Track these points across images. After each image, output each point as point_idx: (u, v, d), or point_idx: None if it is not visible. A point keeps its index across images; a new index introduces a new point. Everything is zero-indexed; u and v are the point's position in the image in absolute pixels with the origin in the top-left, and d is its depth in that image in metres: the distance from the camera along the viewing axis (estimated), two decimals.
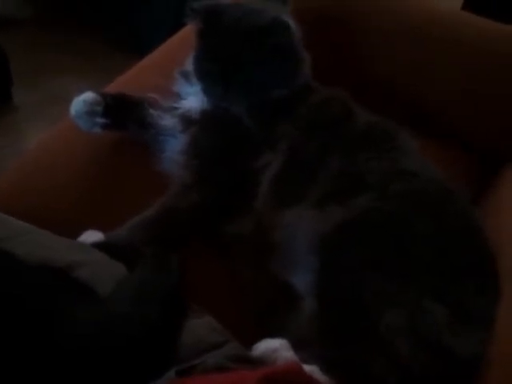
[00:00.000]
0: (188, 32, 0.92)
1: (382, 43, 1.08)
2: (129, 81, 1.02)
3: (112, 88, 1.01)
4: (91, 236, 0.81)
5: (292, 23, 0.89)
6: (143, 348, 0.61)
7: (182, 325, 0.66)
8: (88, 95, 0.89)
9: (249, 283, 0.81)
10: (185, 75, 0.94)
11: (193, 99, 0.91)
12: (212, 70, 0.87)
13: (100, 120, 0.89)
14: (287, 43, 0.88)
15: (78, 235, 0.82)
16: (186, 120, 0.90)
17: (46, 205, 0.87)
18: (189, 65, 0.92)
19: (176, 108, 0.92)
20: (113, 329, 0.60)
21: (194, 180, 0.85)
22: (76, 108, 0.89)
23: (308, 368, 0.65)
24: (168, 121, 0.91)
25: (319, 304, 0.71)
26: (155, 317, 0.63)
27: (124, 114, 0.92)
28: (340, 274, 0.71)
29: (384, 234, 0.73)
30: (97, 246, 0.79)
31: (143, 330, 0.61)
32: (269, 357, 0.68)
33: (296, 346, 0.69)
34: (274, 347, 0.69)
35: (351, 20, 1.08)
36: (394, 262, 0.71)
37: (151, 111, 0.92)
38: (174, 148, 0.90)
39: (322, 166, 0.82)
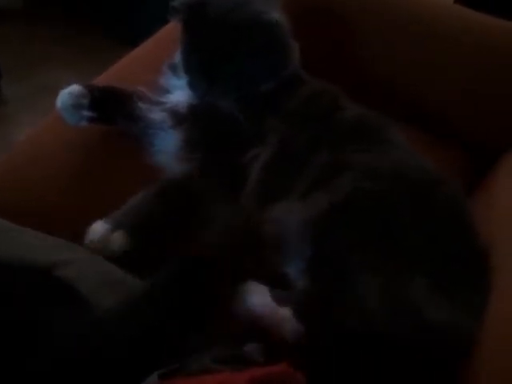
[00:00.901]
0: (177, 25, 0.90)
1: (380, 41, 1.07)
2: (117, 73, 1.00)
3: (100, 80, 1.00)
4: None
5: (280, 16, 0.87)
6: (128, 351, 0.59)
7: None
8: (74, 88, 0.87)
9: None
10: (173, 68, 0.92)
11: (180, 93, 0.90)
12: (196, 63, 0.86)
13: (86, 113, 0.87)
14: (275, 37, 0.87)
15: (67, 227, 0.81)
16: (175, 115, 0.88)
17: (35, 196, 0.86)
18: (177, 58, 0.91)
19: (164, 102, 0.90)
20: (98, 331, 0.59)
21: (197, 173, 0.83)
22: (62, 100, 0.87)
23: (281, 311, 0.68)
24: (157, 114, 0.89)
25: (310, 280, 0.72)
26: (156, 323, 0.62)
27: (111, 108, 0.90)
28: (329, 257, 0.72)
29: (371, 214, 0.73)
30: None
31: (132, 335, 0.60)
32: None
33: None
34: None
35: (345, 14, 1.08)
36: (381, 243, 0.71)
37: (140, 104, 0.90)
38: (164, 142, 0.88)
39: (310, 159, 0.81)
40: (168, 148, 0.87)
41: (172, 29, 1.07)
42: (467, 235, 0.76)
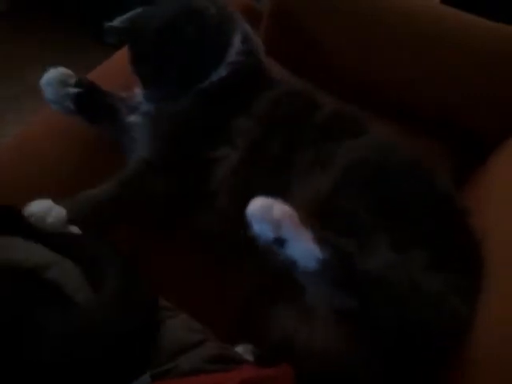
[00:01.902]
0: None
1: (356, 40, 1.06)
2: (99, 75, 0.98)
3: None
4: (39, 205, 0.76)
5: (207, 5, 0.85)
6: (120, 353, 0.59)
7: (158, 327, 0.65)
8: (61, 68, 0.86)
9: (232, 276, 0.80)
10: None
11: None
12: (142, 75, 0.86)
13: (72, 90, 0.86)
14: (207, 24, 0.85)
15: None
16: (146, 115, 0.87)
17: (21, 195, 0.80)
18: None
19: (139, 107, 0.89)
20: (87, 335, 0.58)
21: (155, 160, 0.82)
22: (48, 76, 0.86)
23: (304, 230, 0.65)
24: (134, 118, 0.88)
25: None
26: (136, 322, 0.62)
27: (96, 98, 0.89)
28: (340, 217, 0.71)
29: (370, 182, 0.73)
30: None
31: (122, 335, 0.60)
32: None
33: None
34: None
35: (320, 15, 1.06)
36: (386, 211, 0.71)
37: (121, 107, 0.90)
38: (135, 140, 0.87)
39: (293, 158, 0.80)
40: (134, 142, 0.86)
41: None
42: (462, 221, 0.76)
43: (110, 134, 0.91)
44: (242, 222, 0.69)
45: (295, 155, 0.79)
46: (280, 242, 0.65)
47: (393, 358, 0.65)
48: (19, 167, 0.89)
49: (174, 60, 0.84)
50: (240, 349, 0.76)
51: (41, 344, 0.55)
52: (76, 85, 0.86)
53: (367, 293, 0.65)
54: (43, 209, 0.75)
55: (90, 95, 0.88)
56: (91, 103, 0.88)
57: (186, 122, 0.84)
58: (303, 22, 1.07)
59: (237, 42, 0.87)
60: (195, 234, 0.83)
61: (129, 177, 0.81)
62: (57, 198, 0.77)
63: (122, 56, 1.04)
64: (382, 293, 0.64)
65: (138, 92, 0.91)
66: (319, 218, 0.70)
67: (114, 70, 1.01)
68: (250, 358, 0.73)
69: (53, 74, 0.86)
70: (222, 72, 0.85)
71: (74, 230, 0.75)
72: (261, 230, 0.65)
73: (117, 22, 0.85)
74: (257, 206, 0.65)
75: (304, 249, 0.65)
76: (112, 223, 0.79)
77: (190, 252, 0.84)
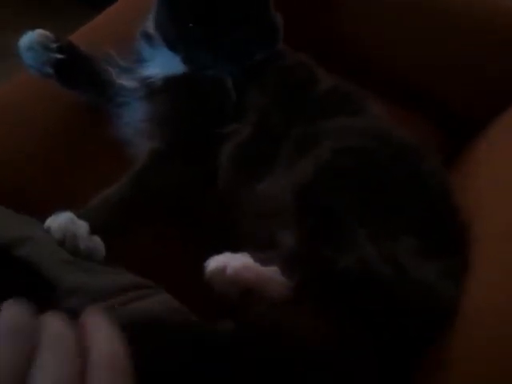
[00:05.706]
0: None
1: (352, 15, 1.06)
2: (83, 37, 0.93)
3: None
4: (59, 219, 0.70)
5: None
6: None
7: None
8: (40, 30, 0.81)
9: None
10: (146, 36, 0.86)
11: (155, 64, 0.84)
12: (195, 35, 0.79)
13: (54, 55, 0.80)
14: (269, 5, 0.84)
15: (26, 204, 0.75)
16: (148, 87, 0.82)
17: None
18: (150, 27, 0.85)
19: (136, 71, 0.85)
20: None
21: (167, 148, 0.79)
22: (28, 38, 0.80)
23: (267, 270, 0.64)
24: (127, 82, 0.84)
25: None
26: None
27: (78, 67, 0.84)
28: (318, 211, 0.69)
29: (355, 171, 0.72)
30: None
31: None
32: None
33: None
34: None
35: None
36: (371, 198, 0.69)
37: (108, 68, 0.85)
38: (132, 113, 0.83)
39: (287, 133, 0.78)
40: (135, 120, 0.82)
41: None
42: (449, 205, 0.75)
43: (89, 100, 0.87)
44: (241, 203, 0.70)
45: (290, 130, 0.77)
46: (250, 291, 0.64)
47: (381, 344, 0.63)
48: None
49: (237, 29, 0.80)
50: (222, 326, 0.74)
51: None
52: (57, 50, 0.81)
53: (351, 288, 0.64)
54: (65, 224, 0.68)
55: (71, 60, 0.83)
56: (72, 68, 0.83)
57: (205, 101, 0.80)
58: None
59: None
60: (190, 216, 0.80)
61: (138, 172, 0.77)
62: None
63: (106, 18, 1.00)
64: (366, 284, 0.64)
65: (137, 53, 0.86)
66: (299, 207, 0.70)
67: (100, 32, 0.96)
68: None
69: (32, 36, 0.80)
70: (265, 54, 0.84)
71: (97, 240, 0.70)
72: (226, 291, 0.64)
73: None
74: (212, 268, 0.64)
75: (275, 288, 0.64)
76: (130, 224, 0.75)
77: (178, 235, 0.81)
